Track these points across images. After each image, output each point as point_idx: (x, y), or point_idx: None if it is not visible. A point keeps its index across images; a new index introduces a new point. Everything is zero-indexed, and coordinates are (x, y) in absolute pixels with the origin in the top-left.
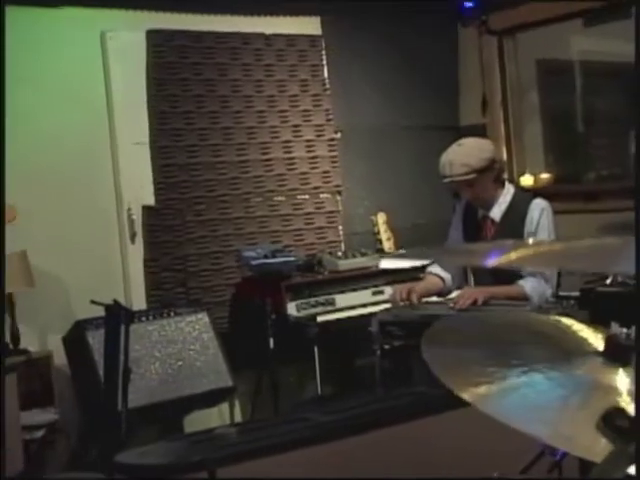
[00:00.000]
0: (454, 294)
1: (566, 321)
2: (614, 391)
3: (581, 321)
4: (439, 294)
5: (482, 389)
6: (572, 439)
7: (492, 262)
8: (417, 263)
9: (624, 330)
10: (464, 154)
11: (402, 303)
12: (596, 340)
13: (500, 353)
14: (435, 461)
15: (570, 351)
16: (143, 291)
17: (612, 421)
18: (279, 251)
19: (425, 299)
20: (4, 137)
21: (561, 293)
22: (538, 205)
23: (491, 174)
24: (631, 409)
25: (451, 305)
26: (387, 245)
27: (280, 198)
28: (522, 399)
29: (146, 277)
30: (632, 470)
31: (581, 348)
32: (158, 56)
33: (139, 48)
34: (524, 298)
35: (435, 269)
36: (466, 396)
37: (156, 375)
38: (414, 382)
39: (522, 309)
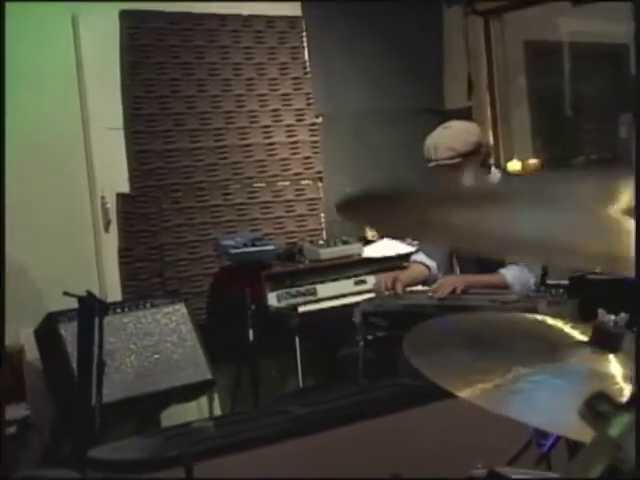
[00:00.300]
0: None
1: (550, 320)
2: (607, 377)
3: (564, 318)
4: (424, 283)
5: (479, 387)
6: (568, 424)
7: None
8: (401, 251)
9: (612, 317)
10: (450, 137)
11: (387, 292)
12: (581, 334)
13: (488, 352)
14: (419, 453)
15: (558, 344)
16: (118, 282)
17: (595, 407)
18: (259, 240)
19: (409, 288)
20: (4, 137)
21: (549, 281)
22: None
23: (477, 158)
24: (617, 394)
25: (430, 294)
26: (370, 233)
27: (260, 185)
28: (519, 392)
29: (121, 267)
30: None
31: (568, 341)
32: (132, 39)
33: (112, 31)
34: (505, 287)
35: (420, 257)
36: (464, 395)
37: (132, 368)
38: (398, 373)
39: (505, 298)
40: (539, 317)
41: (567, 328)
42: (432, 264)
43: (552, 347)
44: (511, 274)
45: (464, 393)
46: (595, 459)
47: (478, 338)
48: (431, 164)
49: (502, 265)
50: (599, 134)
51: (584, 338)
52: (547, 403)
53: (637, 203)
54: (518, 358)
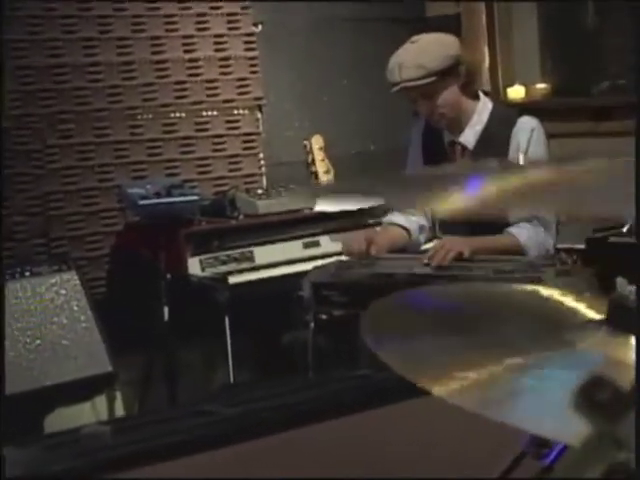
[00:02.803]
0: (429, 245)
1: (545, 291)
2: (627, 366)
3: (576, 291)
4: (403, 250)
5: (459, 383)
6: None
7: (473, 193)
8: (366, 205)
9: (631, 289)
10: (418, 52)
11: (359, 259)
12: (597, 312)
13: (473, 335)
14: (383, 466)
15: (565, 325)
16: None
17: (593, 396)
18: (177, 187)
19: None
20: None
21: (560, 245)
22: (525, 125)
23: (456, 80)
24: (617, 378)
25: (426, 261)
26: (325, 179)
27: (178, 115)
28: (514, 389)
29: None
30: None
31: (578, 320)
32: None
33: None
34: (518, 251)
35: (396, 218)
36: (440, 392)
37: (6, 358)
38: (358, 363)
39: (503, 267)
40: (542, 290)
41: (579, 304)
42: (412, 226)
43: (558, 329)
44: (525, 234)
45: (439, 390)
46: (592, 459)
47: (460, 317)
48: (395, 88)
49: (502, 223)
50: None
51: (599, 316)
52: (551, 403)
53: (637, 202)
54: (513, 344)
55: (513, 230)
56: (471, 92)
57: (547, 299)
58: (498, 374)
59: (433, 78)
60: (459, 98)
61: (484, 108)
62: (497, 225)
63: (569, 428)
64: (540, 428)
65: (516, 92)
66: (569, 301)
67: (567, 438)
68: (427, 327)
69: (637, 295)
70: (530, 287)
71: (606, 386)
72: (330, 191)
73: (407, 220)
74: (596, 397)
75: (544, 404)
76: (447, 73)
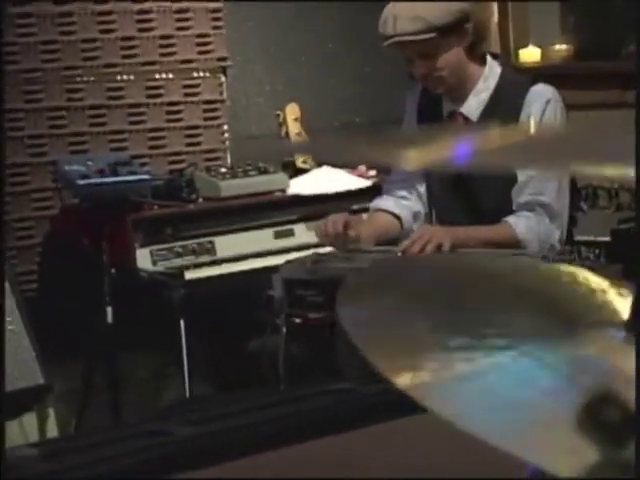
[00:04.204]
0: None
1: (580, 273)
2: None
3: (606, 276)
4: (394, 241)
5: (427, 374)
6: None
7: (463, 161)
8: (351, 186)
9: None
10: (418, 2)
11: (335, 245)
12: (609, 310)
13: (459, 319)
14: None
15: (576, 320)
16: None
17: (599, 414)
18: (124, 164)
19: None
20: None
21: (579, 237)
22: (540, 95)
23: (460, 40)
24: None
25: (399, 254)
26: (301, 158)
27: (125, 77)
28: (492, 391)
29: None
30: None
31: (595, 317)
32: None
33: None
34: (514, 244)
35: (385, 203)
36: (402, 383)
37: None
38: (338, 375)
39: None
40: (559, 274)
41: (597, 301)
42: (404, 213)
43: (567, 325)
44: (524, 224)
45: (400, 379)
46: None
47: (453, 294)
48: (388, 42)
49: (506, 211)
50: None
51: (619, 320)
52: (535, 419)
53: (637, 202)
54: (506, 336)
55: (510, 219)
56: (478, 55)
57: (560, 285)
58: (476, 371)
59: (433, 34)
60: (463, 61)
61: (491, 73)
62: (503, 212)
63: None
64: (517, 446)
65: (530, 54)
66: (587, 294)
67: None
68: (404, 301)
69: (637, 295)
70: (544, 266)
71: (615, 404)
72: (303, 149)
73: (398, 205)
74: (602, 416)
75: (512, 408)
76: (451, 30)
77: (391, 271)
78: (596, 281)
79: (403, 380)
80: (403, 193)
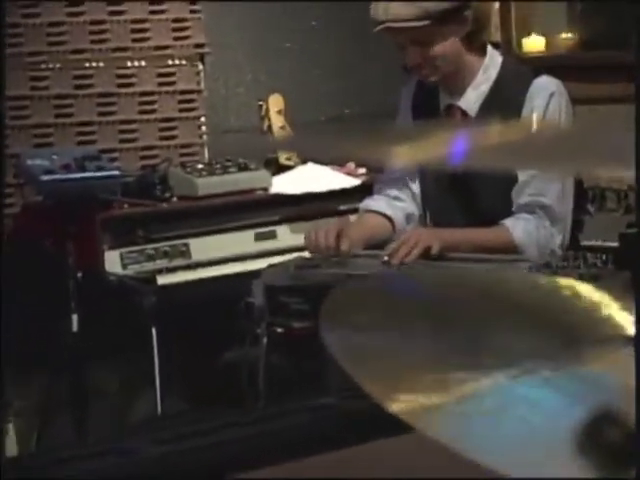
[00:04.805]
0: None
1: (580, 285)
2: None
3: (609, 290)
4: (385, 245)
5: (423, 397)
6: None
7: (459, 159)
8: (338, 185)
9: None
10: None
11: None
12: (618, 322)
13: (454, 337)
14: None
15: (579, 336)
16: None
17: (602, 436)
18: (91, 159)
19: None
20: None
21: (585, 242)
22: (544, 88)
23: (459, 28)
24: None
25: (385, 259)
26: (284, 154)
27: (95, 64)
28: (493, 413)
29: None
30: None
31: (599, 332)
32: None
33: None
34: (510, 249)
35: (376, 203)
36: (397, 408)
37: None
38: (323, 389)
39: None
40: (560, 286)
41: (605, 313)
42: (397, 214)
43: (571, 340)
44: (522, 228)
45: (401, 407)
46: None
47: (446, 311)
48: (379, 27)
49: (506, 213)
50: None
51: (629, 332)
52: (537, 443)
53: (638, 201)
54: (504, 350)
55: (507, 222)
56: (477, 45)
57: (564, 298)
58: (477, 395)
59: (427, 21)
60: (460, 51)
61: (491, 64)
62: (502, 214)
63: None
64: (521, 470)
65: (534, 44)
66: (593, 307)
67: None
68: (392, 320)
69: (636, 295)
70: (545, 279)
71: (619, 423)
72: (287, 144)
73: (390, 206)
74: (605, 436)
75: (533, 438)
76: (447, 18)
77: (377, 287)
78: (598, 294)
79: (398, 405)
80: (395, 193)
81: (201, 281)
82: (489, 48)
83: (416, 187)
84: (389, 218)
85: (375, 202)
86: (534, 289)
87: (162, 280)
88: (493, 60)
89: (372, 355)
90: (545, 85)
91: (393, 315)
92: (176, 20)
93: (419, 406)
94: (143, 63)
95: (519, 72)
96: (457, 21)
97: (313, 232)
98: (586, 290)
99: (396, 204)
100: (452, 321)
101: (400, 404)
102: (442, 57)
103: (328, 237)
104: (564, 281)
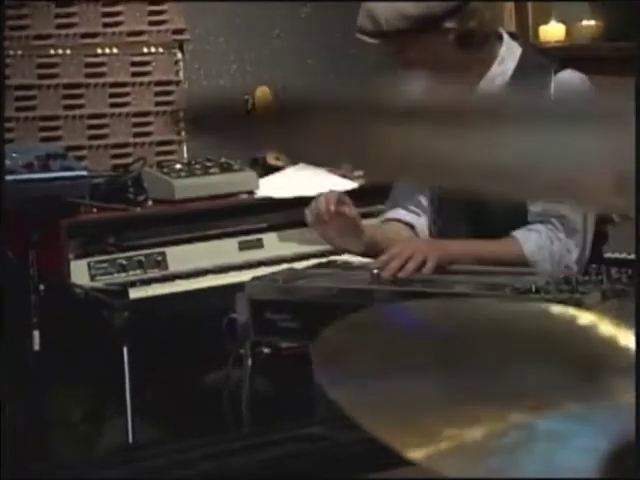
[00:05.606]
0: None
1: (586, 318)
2: None
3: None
4: None
5: (441, 442)
6: None
7: None
8: (333, 188)
9: None
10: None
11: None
12: None
13: (465, 374)
14: None
15: (599, 367)
16: None
17: (626, 467)
18: (56, 157)
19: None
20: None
21: (609, 255)
22: (568, 84)
23: (441, 37)
24: None
25: (375, 271)
26: (273, 155)
27: (61, 52)
28: (521, 458)
29: None
30: None
31: (620, 362)
32: None
33: None
34: (520, 262)
35: (398, 213)
36: (413, 454)
37: None
38: (313, 416)
39: (517, 283)
40: (578, 315)
41: (629, 336)
42: (419, 222)
43: (595, 372)
44: (534, 240)
45: (417, 452)
46: None
47: (448, 348)
48: (368, 40)
49: (518, 222)
50: None
51: None
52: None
53: (638, 200)
54: (523, 391)
55: (518, 234)
56: (479, 40)
57: (583, 328)
58: (496, 433)
59: (384, 38)
60: (449, 54)
61: (509, 56)
62: (516, 224)
63: None
64: None
65: (552, 32)
66: (607, 338)
67: None
68: (394, 360)
69: (637, 296)
70: (558, 308)
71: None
72: (279, 170)
73: (409, 213)
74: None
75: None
76: (416, 31)
77: (374, 321)
78: (616, 322)
79: (415, 451)
80: (412, 207)
81: (179, 295)
82: (506, 38)
83: (425, 199)
84: (412, 226)
85: (397, 212)
86: (547, 319)
87: (135, 293)
88: (511, 51)
89: (383, 403)
90: (569, 81)
91: (394, 351)
92: (152, 2)
93: (436, 451)
94: (115, 50)
95: (540, 65)
96: (434, 31)
97: (313, 202)
98: (605, 320)
99: (414, 215)
100: (466, 357)
101: (416, 449)
102: (427, 62)
103: (330, 203)
104: (580, 310)
